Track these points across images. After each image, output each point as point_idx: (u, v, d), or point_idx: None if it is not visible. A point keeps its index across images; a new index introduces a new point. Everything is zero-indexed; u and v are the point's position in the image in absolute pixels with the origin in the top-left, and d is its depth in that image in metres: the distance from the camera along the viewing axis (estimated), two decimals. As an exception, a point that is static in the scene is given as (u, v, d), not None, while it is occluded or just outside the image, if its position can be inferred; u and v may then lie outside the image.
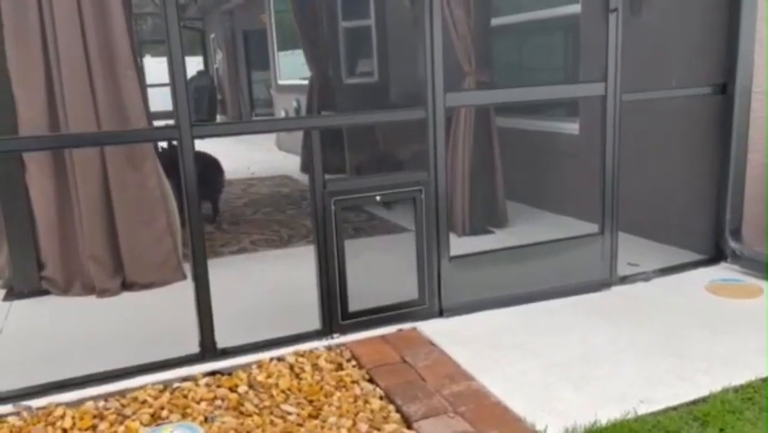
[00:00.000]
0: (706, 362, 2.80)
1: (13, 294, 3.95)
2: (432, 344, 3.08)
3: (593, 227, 3.73)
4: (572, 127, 5.16)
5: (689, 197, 4.14)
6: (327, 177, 3.09)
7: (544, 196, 5.40)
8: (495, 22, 5.44)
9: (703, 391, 2.54)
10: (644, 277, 3.80)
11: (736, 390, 2.55)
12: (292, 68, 10.85)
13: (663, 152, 4.28)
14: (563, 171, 5.11)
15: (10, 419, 2.54)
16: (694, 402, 2.50)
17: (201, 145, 2.90)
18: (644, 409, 2.44)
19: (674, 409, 2.46)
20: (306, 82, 8.61)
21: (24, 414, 2.56)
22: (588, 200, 3.87)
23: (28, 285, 3.94)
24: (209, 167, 5.48)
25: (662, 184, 4.29)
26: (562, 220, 5.08)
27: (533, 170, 5.37)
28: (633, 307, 3.47)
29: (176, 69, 2.73)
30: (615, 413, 2.41)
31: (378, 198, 3.17)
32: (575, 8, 5.06)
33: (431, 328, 3.23)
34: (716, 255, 4.01)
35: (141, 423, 2.49)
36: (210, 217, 5.59)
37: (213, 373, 2.85)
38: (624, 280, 3.76)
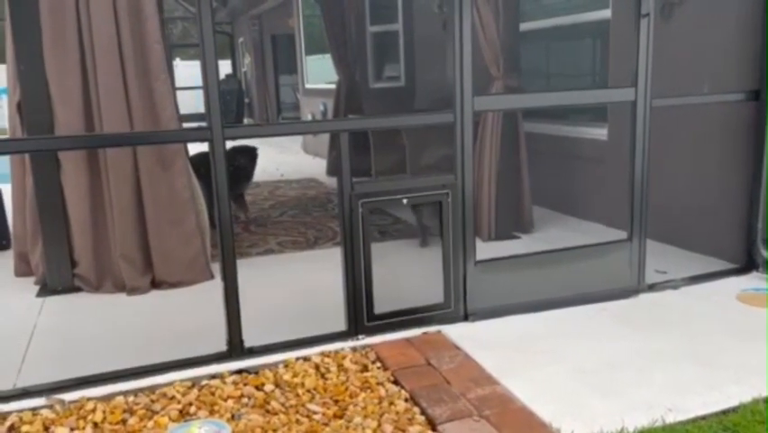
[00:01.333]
0: (736, 371, 2.75)
1: (46, 290, 4.05)
2: (457, 347, 3.08)
3: (621, 234, 3.70)
4: (601, 133, 5.12)
5: (720, 204, 4.08)
6: (354, 180, 3.12)
7: (571, 201, 5.36)
8: (524, 27, 5.43)
9: (733, 401, 2.51)
10: (673, 285, 3.75)
11: (767, 400, 2.51)
12: (319, 72, 10.94)
13: (694, 159, 4.22)
14: (591, 177, 5.07)
15: (43, 411, 2.60)
16: (724, 412, 2.47)
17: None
18: (672, 418, 2.42)
19: (703, 418, 2.43)
20: (332, 86, 8.67)
21: (57, 407, 2.63)
22: (616, 207, 3.84)
23: (61, 282, 4.03)
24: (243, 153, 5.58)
25: (692, 191, 4.24)
26: (590, 226, 5.04)
27: (560, 176, 5.34)
28: (661, 314, 3.42)
29: (209, 73, 2.78)
30: (642, 421, 2.39)
31: (404, 200, 3.18)
32: (605, 13, 5.02)
33: (456, 332, 3.23)
34: (747, 264, 3.94)
35: (170, 418, 2.54)
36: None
37: (240, 372, 2.89)
38: (652, 287, 3.71)
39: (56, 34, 3.73)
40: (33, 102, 3.80)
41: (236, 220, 5.65)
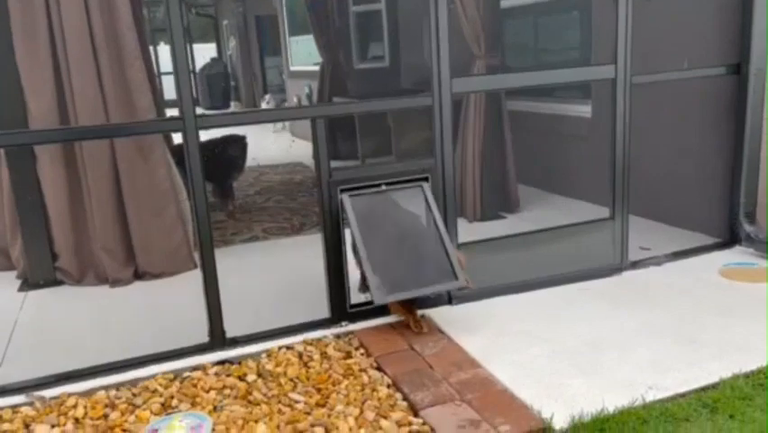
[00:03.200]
0: (717, 347, 2.77)
1: (28, 285, 4.01)
2: (440, 331, 3.08)
3: (606, 211, 3.69)
4: (585, 110, 5.09)
5: (702, 179, 4.08)
6: (336, 164, 3.09)
7: (556, 180, 5.35)
8: (505, 3, 5.36)
9: (713, 378, 2.52)
10: (656, 261, 3.76)
11: (747, 376, 2.53)
12: (304, 53, 10.81)
13: (676, 135, 4.21)
14: (576, 155, 5.05)
15: (23, 409, 2.58)
16: (704, 389, 2.48)
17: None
18: (652, 396, 2.43)
19: (683, 395, 2.44)
20: (317, 68, 8.58)
21: (37, 404, 2.61)
22: (601, 184, 3.82)
23: (42, 275, 3.99)
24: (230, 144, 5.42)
25: (674, 167, 4.23)
26: (575, 204, 5.04)
27: (545, 154, 5.32)
28: (644, 292, 3.43)
29: (179, 60, 2.73)
30: (622, 400, 2.40)
31: (383, 186, 3.15)
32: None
33: (439, 316, 3.23)
34: (730, 239, 3.95)
35: (152, 412, 2.53)
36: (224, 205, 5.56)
37: (222, 363, 2.88)
38: (635, 264, 3.72)
39: (26, 24, 3.65)
40: (5, 94, 3.73)
41: (223, 209, 5.59)
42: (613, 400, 2.39)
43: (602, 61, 3.66)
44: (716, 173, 3.97)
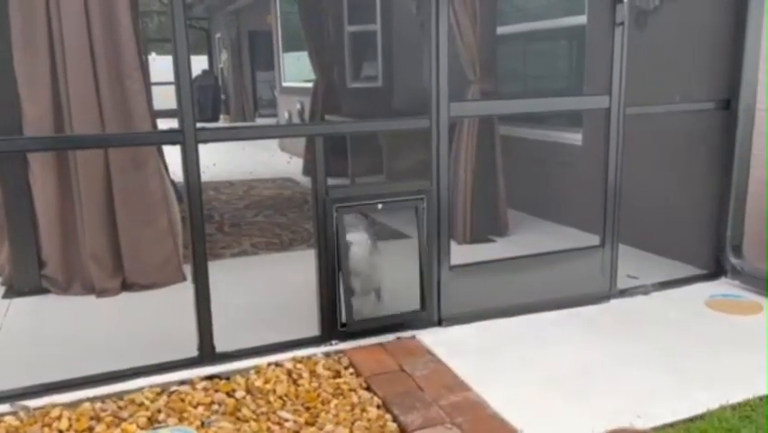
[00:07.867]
0: (704, 378, 2.79)
1: (13, 292, 3.95)
2: (430, 353, 3.08)
3: (595, 239, 3.73)
4: (576, 138, 5.16)
5: (690, 211, 4.14)
6: (330, 182, 3.10)
7: (546, 205, 5.40)
8: (501, 30, 5.45)
9: (700, 409, 2.54)
10: (644, 290, 3.80)
11: (734, 407, 2.55)
12: (297, 70, 10.86)
13: (666, 166, 4.28)
14: (566, 181, 5.11)
15: (7, 418, 2.54)
16: (691, 419, 2.49)
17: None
18: (640, 425, 2.44)
19: (671, 425, 2.46)
20: (310, 85, 8.62)
21: (21, 414, 2.56)
22: (590, 211, 3.87)
23: (28, 283, 3.94)
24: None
25: (664, 197, 4.29)
26: (564, 230, 5.08)
27: (536, 180, 5.38)
28: (631, 320, 3.46)
29: (181, 72, 2.73)
30: (611, 428, 2.41)
31: (379, 206, 3.17)
32: (581, 19, 5.07)
33: (430, 337, 3.23)
34: (716, 270, 4.00)
35: (138, 426, 2.50)
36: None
37: (211, 378, 2.85)
38: (623, 293, 3.75)
39: (25, 31, 3.64)
40: (1, 99, 3.70)
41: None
42: (602, 428, 2.40)
43: (596, 91, 3.73)
44: (704, 206, 4.03)
